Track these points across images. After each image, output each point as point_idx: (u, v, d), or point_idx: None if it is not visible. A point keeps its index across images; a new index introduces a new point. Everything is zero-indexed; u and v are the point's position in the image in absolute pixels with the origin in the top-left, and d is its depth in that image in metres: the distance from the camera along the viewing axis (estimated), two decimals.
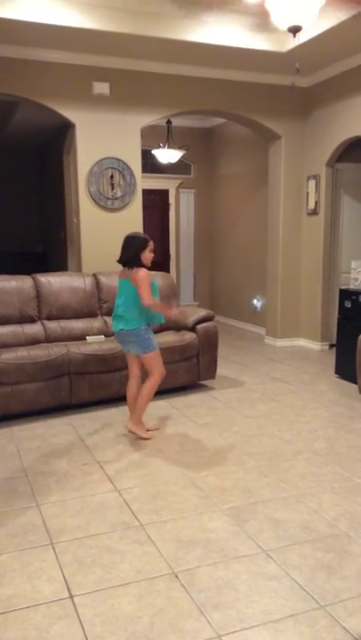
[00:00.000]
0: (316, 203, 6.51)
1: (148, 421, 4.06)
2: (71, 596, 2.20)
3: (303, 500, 2.98)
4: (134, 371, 3.95)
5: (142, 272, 3.66)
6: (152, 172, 8.27)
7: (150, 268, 3.80)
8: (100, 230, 5.87)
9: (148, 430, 3.93)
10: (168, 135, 7.60)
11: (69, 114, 5.69)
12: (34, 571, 2.37)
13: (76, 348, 4.47)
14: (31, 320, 4.81)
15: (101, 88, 5.71)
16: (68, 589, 2.25)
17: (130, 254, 3.73)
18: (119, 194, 5.94)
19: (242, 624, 2.04)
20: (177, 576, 2.33)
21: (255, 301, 7.91)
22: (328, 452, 3.62)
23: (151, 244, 3.77)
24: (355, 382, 5.13)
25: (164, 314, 3.84)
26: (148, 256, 3.75)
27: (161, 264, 8.72)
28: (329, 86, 6.19)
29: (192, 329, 4.98)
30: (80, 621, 2.06)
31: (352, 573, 2.34)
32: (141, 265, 3.71)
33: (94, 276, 5.21)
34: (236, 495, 3.03)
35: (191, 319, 5.00)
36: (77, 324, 4.93)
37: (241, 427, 4.11)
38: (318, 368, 5.83)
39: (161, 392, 4.71)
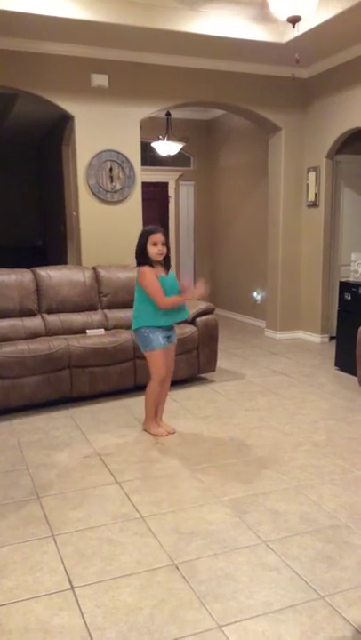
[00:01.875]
0: (316, 195, 6.49)
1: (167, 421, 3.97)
2: (72, 588, 2.22)
3: (303, 491, 2.99)
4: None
5: (142, 273, 3.49)
6: (151, 164, 8.24)
7: None
8: (100, 223, 5.86)
9: (158, 431, 3.80)
10: (167, 127, 7.57)
11: (68, 106, 5.66)
12: (35, 562, 2.39)
13: (76, 342, 4.47)
14: (31, 314, 4.81)
15: (100, 80, 5.68)
16: (70, 581, 2.26)
17: (136, 252, 3.57)
18: (118, 187, 5.92)
19: (242, 614, 2.06)
20: (177, 567, 2.34)
21: (255, 294, 7.90)
22: (328, 444, 3.63)
23: (154, 237, 3.50)
24: (355, 374, 5.12)
25: (188, 301, 3.62)
26: (152, 250, 3.50)
27: None
28: (329, 77, 6.16)
29: (192, 322, 4.98)
30: (81, 612, 2.07)
31: (352, 564, 2.35)
32: (148, 262, 3.52)
33: (94, 269, 5.21)
34: (237, 487, 3.04)
35: (191, 312, 5.00)
36: (77, 318, 4.93)
37: (241, 419, 4.11)
38: (318, 360, 5.84)
39: None
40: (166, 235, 3.67)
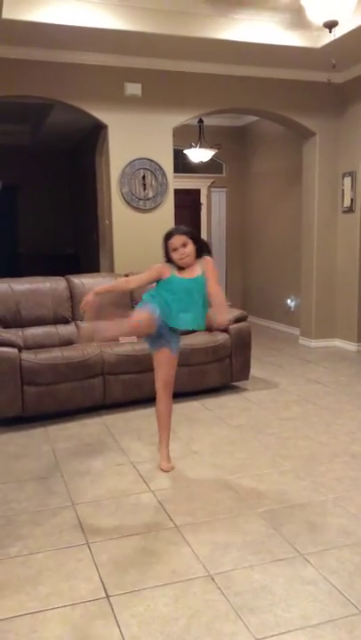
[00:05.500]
0: (351, 200, 6.40)
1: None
2: (107, 597, 2.20)
3: (341, 503, 2.92)
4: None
5: (155, 266, 3.28)
6: (184, 171, 8.26)
7: None
8: (132, 231, 5.89)
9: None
10: (200, 134, 7.58)
11: (102, 115, 5.72)
12: (70, 570, 2.38)
13: (109, 349, 4.49)
14: (65, 321, 4.86)
15: (134, 89, 5.73)
16: (105, 589, 2.25)
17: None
18: (151, 194, 5.95)
19: (279, 628, 2.01)
20: (213, 578, 2.30)
21: (289, 301, 7.82)
22: None
23: (171, 244, 3.16)
24: None
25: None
26: (174, 257, 3.17)
27: None
28: None
29: (225, 329, 4.95)
30: (117, 621, 2.06)
31: None
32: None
33: (126, 276, 5.21)
34: (272, 498, 2.99)
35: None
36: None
37: (276, 429, 4.05)
38: (355, 369, 5.72)
39: (193, 393, 4.71)
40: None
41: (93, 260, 8.49)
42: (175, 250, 3.15)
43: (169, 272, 3.19)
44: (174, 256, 3.16)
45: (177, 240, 3.15)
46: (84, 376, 4.32)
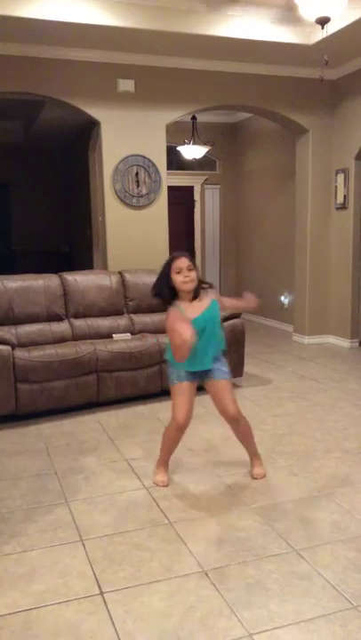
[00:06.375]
0: (344, 197, 6.42)
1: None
2: (101, 593, 2.21)
3: (334, 499, 2.93)
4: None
5: (167, 314, 2.94)
6: (177, 168, 8.26)
7: None
8: (126, 228, 5.88)
9: (157, 478, 3.19)
10: (193, 131, 7.57)
11: (94, 112, 5.70)
12: (64, 567, 2.38)
13: (103, 346, 4.48)
14: (58, 318, 4.85)
15: (126, 85, 5.71)
16: (99, 586, 2.25)
17: (157, 287, 2.99)
18: (144, 191, 5.94)
19: (273, 623, 2.02)
20: (207, 574, 2.31)
21: (283, 298, 7.83)
22: (359, 451, 3.56)
23: (178, 262, 2.89)
24: None
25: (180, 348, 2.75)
26: (177, 279, 2.89)
27: None
28: (358, 78, 6.08)
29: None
30: (111, 618, 2.06)
31: None
32: (171, 296, 2.94)
33: (120, 273, 5.22)
34: (266, 494, 3.00)
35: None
36: (104, 322, 4.95)
37: (270, 425, 4.06)
38: (348, 366, 5.74)
39: None
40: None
41: (87, 258, 8.49)
42: (180, 272, 2.89)
43: (180, 315, 2.87)
44: (178, 278, 2.89)
45: (183, 262, 2.90)
46: (77, 373, 4.32)
